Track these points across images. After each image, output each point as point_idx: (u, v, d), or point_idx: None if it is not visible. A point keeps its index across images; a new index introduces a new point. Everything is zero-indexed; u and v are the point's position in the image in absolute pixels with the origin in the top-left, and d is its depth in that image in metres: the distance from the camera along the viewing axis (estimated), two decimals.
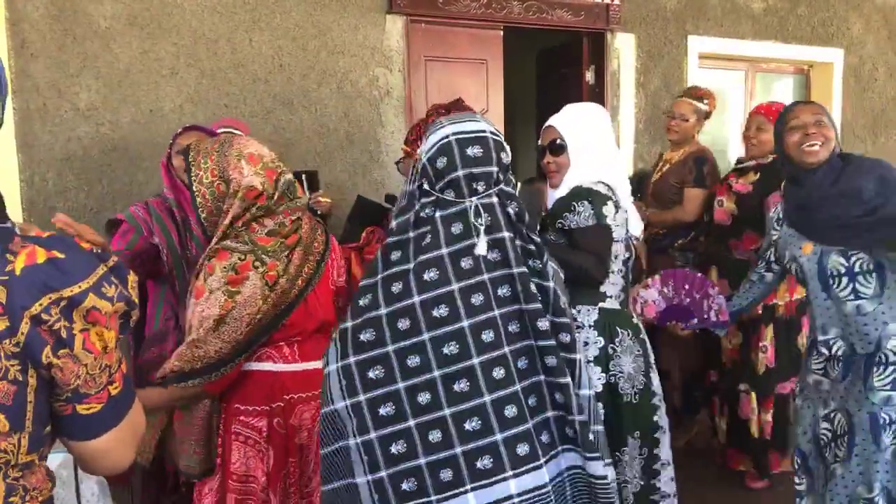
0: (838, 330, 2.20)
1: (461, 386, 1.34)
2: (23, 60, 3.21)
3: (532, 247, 1.44)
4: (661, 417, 2.23)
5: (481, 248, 1.38)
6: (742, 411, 3.30)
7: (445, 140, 1.42)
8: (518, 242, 1.43)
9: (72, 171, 3.29)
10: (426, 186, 1.42)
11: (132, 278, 0.98)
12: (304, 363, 1.98)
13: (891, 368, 2.12)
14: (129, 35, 3.40)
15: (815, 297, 2.24)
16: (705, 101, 3.64)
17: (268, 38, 3.66)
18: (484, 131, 1.44)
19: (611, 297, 2.22)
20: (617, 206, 2.21)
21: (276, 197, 1.93)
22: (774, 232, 2.43)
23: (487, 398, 1.35)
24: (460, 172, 1.40)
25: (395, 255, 1.40)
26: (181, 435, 1.97)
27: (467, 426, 1.34)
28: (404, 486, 1.34)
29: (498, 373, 1.36)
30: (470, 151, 1.40)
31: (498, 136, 1.47)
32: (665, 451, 2.23)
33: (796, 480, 2.37)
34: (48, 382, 0.89)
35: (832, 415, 2.24)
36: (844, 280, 2.16)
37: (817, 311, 2.24)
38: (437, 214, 1.41)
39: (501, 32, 4.30)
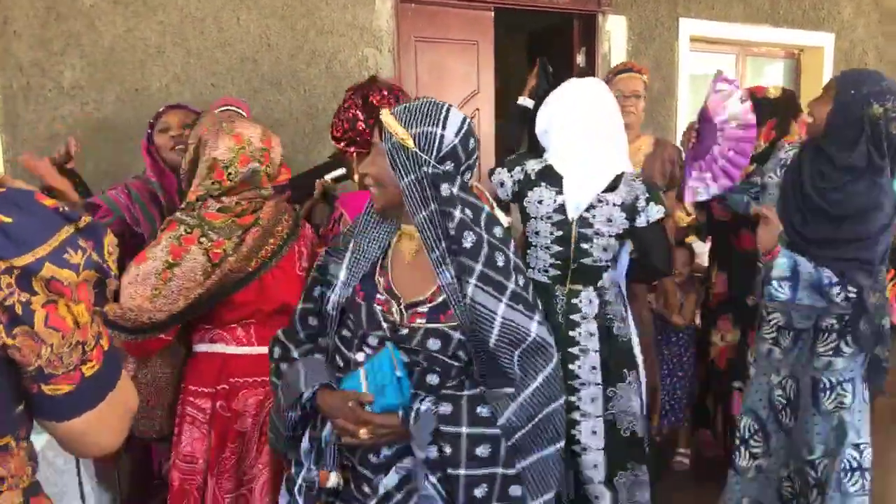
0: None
1: None
2: (5, 39, 3.16)
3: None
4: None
5: (505, 219, 1.62)
6: (735, 408, 3.17)
7: (467, 121, 1.44)
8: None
9: (55, 149, 3.25)
10: (450, 168, 1.41)
11: (109, 240, 0.87)
12: (257, 347, 1.99)
13: (833, 335, 2.23)
14: (113, 13, 3.35)
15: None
16: (645, 76, 3.12)
17: (255, 17, 3.62)
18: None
19: (534, 268, 2.35)
20: (524, 184, 2.34)
21: (235, 180, 1.95)
22: (770, 176, 2.40)
23: None
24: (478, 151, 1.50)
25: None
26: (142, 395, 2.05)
27: None
28: None
29: None
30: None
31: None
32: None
33: (752, 443, 2.42)
34: (8, 361, 0.78)
35: (784, 381, 2.36)
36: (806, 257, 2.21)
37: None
38: (459, 194, 1.42)
39: (492, 13, 4.27)
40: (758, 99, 3.14)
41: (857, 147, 2.06)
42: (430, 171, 1.38)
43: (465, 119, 1.43)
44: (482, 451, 1.34)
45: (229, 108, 2.82)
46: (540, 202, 2.29)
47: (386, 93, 2.28)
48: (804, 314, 2.26)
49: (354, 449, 1.45)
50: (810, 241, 2.16)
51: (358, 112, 2.26)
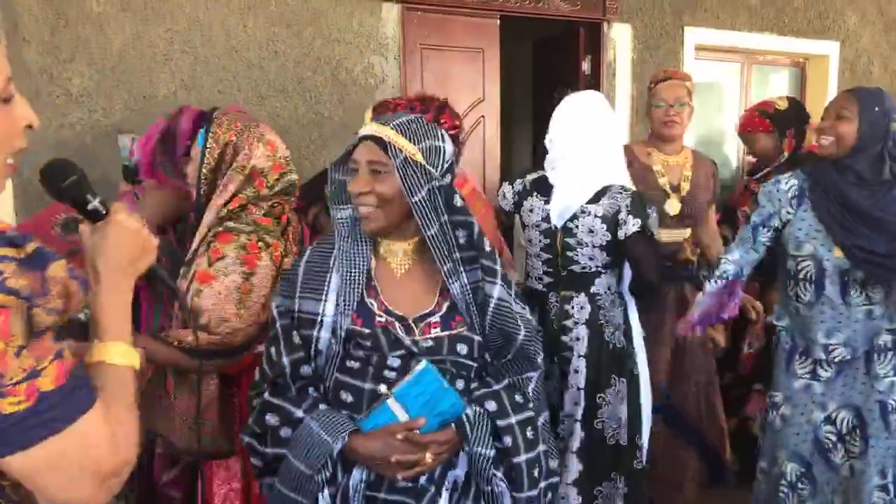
0: (844, 336, 2.17)
1: None
2: (15, 45, 3.18)
3: None
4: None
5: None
6: (749, 408, 3.23)
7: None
8: None
9: (63, 155, 3.26)
10: (450, 179, 1.46)
11: (56, 270, 0.83)
12: None
13: (889, 354, 2.16)
14: (122, 20, 3.37)
15: (827, 300, 2.17)
16: (689, 82, 2.91)
17: (262, 24, 3.63)
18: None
19: (531, 277, 2.52)
20: (522, 194, 2.48)
21: (274, 189, 1.93)
22: (787, 211, 2.23)
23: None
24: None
25: None
26: (182, 410, 1.88)
27: None
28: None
29: None
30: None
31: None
32: (645, 395, 2.47)
33: (800, 486, 2.26)
34: None
35: (834, 415, 2.20)
36: (859, 287, 2.15)
37: (828, 313, 2.18)
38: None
39: (498, 21, 4.28)
40: (770, 114, 3.22)
41: (884, 161, 2.10)
42: (437, 184, 1.40)
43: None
44: (530, 434, 1.45)
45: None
46: (531, 211, 2.44)
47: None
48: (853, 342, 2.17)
49: (380, 483, 1.40)
50: (885, 255, 2.09)
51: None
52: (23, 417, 0.78)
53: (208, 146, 1.88)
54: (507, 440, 1.41)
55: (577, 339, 2.37)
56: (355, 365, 1.41)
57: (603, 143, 2.38)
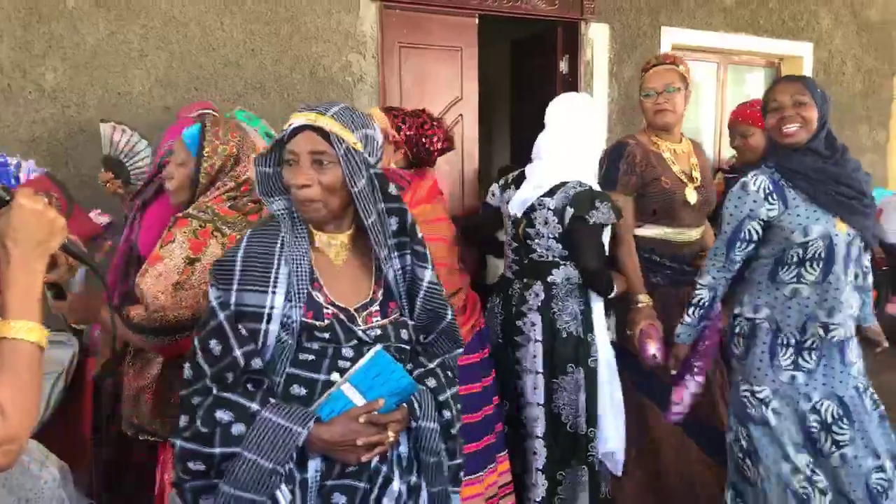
0: (842, 315, 2.20)
1: None
2: None
3: None
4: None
5: None
6: None
7: None
8: None
9: (37, 153, 3.23)
10: (380, 167, 1.50)
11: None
12: None
13: (855, 339, 2.26)
14: (96, 16, 3.33)
15: (835, 278, 2.18)
16: (681, 66, 2.74)
17: (239, 21, 3.61)
18: None
19: (507, 266, 2.68)
20: (503, 188, 2.66)
21: (254, 193, 1.95)
22: (768, 208, 2.20)
23: None
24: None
25: None
26: (128, 385, 1.97)
27: None
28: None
29: None
30: None
31: None
32: (606, 391, 2.51)
33: (816, 478, 2.20)
34: None
35: (818, 405, 2.20)
36: (854, 264, 2.23)
37: (832, 292, 2.18)
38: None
39: (476, 20, 4.29)
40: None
41: (831, 135, 2.25)
42: (374, 171, 1.44)
43: None
44: (459, 406, 1.57)
45: (208, 111, 2.82)
46: (507, 203, 2.59)
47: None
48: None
49: (331, 471, 1.39)
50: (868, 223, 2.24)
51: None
52: None
53: (206, 155, 1.93)
54: (447, 413, 1.51)
55: (533, 324, 2.48)
56: (309, 357, 1.39)
57: (575, 144, 2.50)
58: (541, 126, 2.59)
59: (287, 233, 1.43)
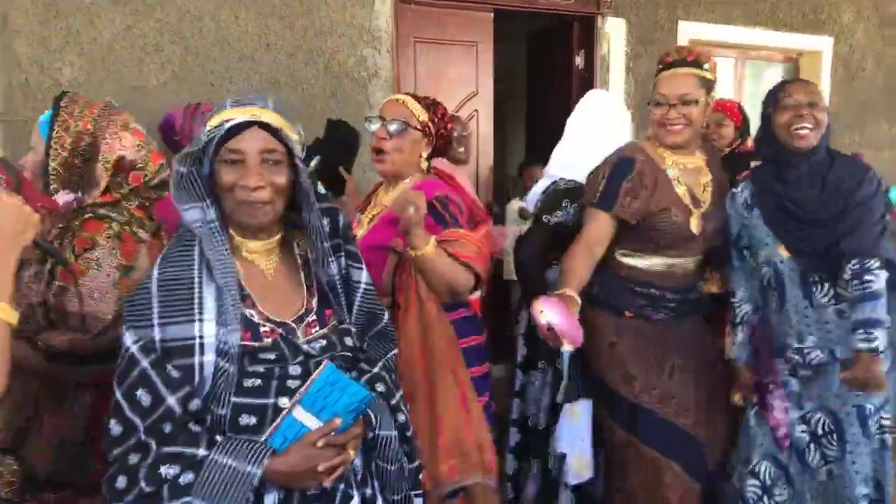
0: (816, 338, 2.11)
1: None
2: (6, 35, 3.16)
3: None
4: None
5: None
6: None
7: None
8: None
9: None
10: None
11: None
12: None
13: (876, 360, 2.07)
14: (112, 11, 3.35)
15: (793, 304, 2.12)
16: (705, 65, 2.19)
17: (254, 15, 3.62)
18: None
19: None
20: None
21: (152, 183, 1.74)
22: (744, 215, 2.21)
23: None
24: None
25: None
26: (49, 429, 1.62)
27: None
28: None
29: None
30: None
31: None
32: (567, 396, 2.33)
33: (776, 492, 2.20)
34: None
35: (808, 416, 2.16)
36: (825, 286, 2.09)
37: (794, 318, 2.13)
38: None
39: (492, 15, 4.27)
40: (745, 114, 3.49)
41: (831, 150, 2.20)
42: (309, 170, 1.35)
43: None
44: (407, 407, 1.51)
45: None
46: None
47: None
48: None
49: (290, 498, 1.28)
50: (824, 251, 2.14)
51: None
52: None
53: (56, 136, 1.63)
54: (401, 417, 1.45)
55: (518, 321, 2.67)
56: (255, 382, 1.26)
57: (577, 140, 2.54)
58: (556, 122, 2.61)
59: (208, 247, 1.27)
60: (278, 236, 1.39)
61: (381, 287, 1.94)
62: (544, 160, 2.72)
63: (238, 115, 1.26)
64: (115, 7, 3.35)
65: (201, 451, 1.19)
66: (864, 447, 2.10)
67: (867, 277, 1.97)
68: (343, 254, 1.41)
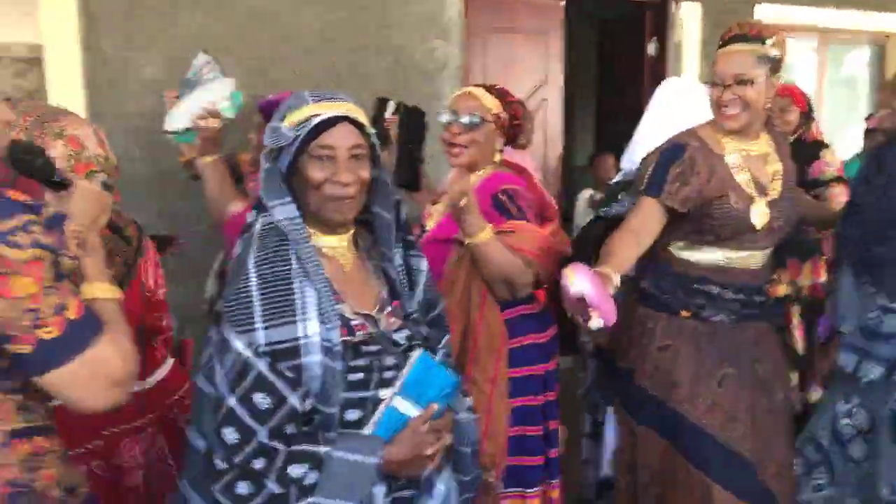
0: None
1: None
2: (93, 35, 3.31)
3: None
4: None
5: None
6: None
7: None
8: None
9: (136, 143, 3.39)
10: None
11: (71, 228, 1.06)
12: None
13: None
14: (189, 11, 3.46)
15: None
16: (769, 41, 1.97)
17: (321, 10, 3.67)
18: None
19: None
20: None
21: None
22: None
23: None
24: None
25: None
26: None
27: None
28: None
29: None
30: None
31: None
32: None
33: (815, 475, 2.10)
34: None
35: (854, 410, 2.03)
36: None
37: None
38: None
39: (563, 3, 4.22)
40: (810, 101, 3.37)
41: None
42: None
43: None
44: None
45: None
46: None
47: None
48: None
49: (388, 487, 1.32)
50: None
51: None
52: (55, 343, 1.01)
53: None
54: (468, 401, 1.49)
55: None
56: (358, 377, 1.28)
57: (664, 136, 2.37)
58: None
59: (300, 245, 1.27)
60: (352, 231, 1.40)
61: (444, 278, 1.95)
62: (616, 150, 2.69)
63: (326, 111, 1.27)
64: (192, 7, 3.46)
65: (322, 449, 1.21)
66: (885, 453, 1.96)
67: None
68: (404, 244, 1.45)
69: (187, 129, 2.24)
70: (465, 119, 2.00)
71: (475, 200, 1.80)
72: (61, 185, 1.22)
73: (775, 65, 1.98)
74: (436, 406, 1.30)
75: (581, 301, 1.60)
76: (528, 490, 2.05)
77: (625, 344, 2.17)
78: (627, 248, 1.95)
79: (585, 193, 4.58)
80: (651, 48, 4.56)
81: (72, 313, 1.03)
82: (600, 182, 4.57)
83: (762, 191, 2.03)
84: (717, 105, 2.01)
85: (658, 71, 4.41)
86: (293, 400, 1.21)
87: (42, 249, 0.97)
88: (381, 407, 1.28)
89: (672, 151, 2.04)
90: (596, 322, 1.60)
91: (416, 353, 1.30)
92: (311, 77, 3.68)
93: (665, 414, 2.05)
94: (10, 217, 0.96)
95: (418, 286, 1.45)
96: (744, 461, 2.00)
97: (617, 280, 1.79)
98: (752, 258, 2.06)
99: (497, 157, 2.08)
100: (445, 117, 2.04)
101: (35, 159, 1.19)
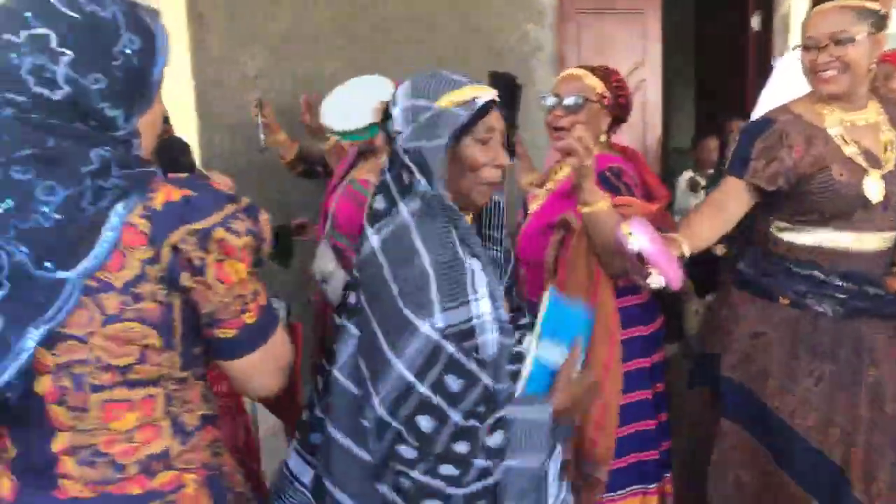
0: None
1: None
2: (200, 33, 3.46)
3: None
4: None
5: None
6: None
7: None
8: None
9: (240, 136, 3.51)
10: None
11: (264, 217, 1.05)
12: None
13: None
14: (288, 3, 3.55)
15: None
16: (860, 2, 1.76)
17: None
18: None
19: None
20: None
21: None
22: None
23: None
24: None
25: None
26: None
27: None
28: None
29: None
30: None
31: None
32: None
33: None
34: (191, 306, 1.00)
35: None
36: None
37: None
38: None
39: None
40: None
41: None
42: None
43: None
44: None
45: None
46: None
47: None
48: None
49: None
50: None
51: None
52: (251, 328, 1.04)
53: None
54: None
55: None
56: (519, 349, 1.33)
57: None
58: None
59: (460, 225, 1.25)
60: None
61: (544, 263, 1.93)
62: (718, 131, 2.58)
63: (482, 94, 1.27)
64: (290, 1, 3.55)
65: (509, 414, 1.20)
66: None
67: None
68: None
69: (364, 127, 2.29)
70: (567, 101, 1.96)
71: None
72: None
73: (879, 21, 1.75)
74: (580, 348, 1.29)
75: (640, 258, 1.53)
76: (650, 486, 1.99)
77: (715, 329, 2.05)
78: (706, 223, 1.86)
79: (686, 176, 4.45)
80: (755, 21, 4.34)
81: (262, 299, 1.06)
82: (703, 164, 4.43)
83: (875, 163, 1.81)
84: (813, 70, 1.81)
85: (764, 46, 4.20)
86: (485, 380, 1.19)
87: (252, 236, 1.00)
88: (528, 361, 1.28)
89: (758, 126, 1.89)
90: (655, 280, 1.53)
91: (548, 292, 1.30)
92: (412, 65, 3.71)
93: (753, 407, 1.91)
94: (224, 205, 0.98)
95: (508, 266, 1.48)
96: (838, 472, 1.81)
97: (686, 249, 1.71)
98: (864, 240, 1.83)
99: (602, 138, 2.03)
100: (549, 101, 2.00)
101: (179, 154, 1.26)
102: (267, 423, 2.40)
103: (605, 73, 2.03)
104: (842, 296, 1.85)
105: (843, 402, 1.82)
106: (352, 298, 1.32)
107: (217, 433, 1.12)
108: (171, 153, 1.25)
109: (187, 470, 1.04)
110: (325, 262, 2.12)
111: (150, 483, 1.00)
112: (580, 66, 2.08)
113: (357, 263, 1.31)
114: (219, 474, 1.09)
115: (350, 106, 2.33)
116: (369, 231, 1.27)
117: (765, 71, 3.78)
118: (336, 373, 1.30)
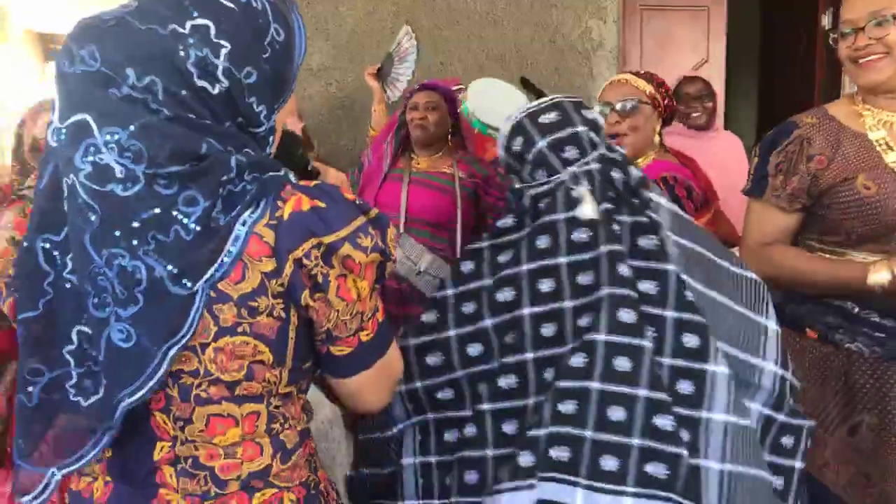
0: None
1: (507, 382, 1.21)
2: None
3: (644, 219, 1.23)
4: None
5: (587, 211, 1.19)
6: None
7: (515, 121, 1.32)
8: (624, 217, 1.22)
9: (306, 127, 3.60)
10: (516, 184, 1.32)
11: (391, 231, 0.99)
12: None
13: None
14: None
15: None
16: None
17: None
18: (554, 98, 1.34)
19: None
20: None
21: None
22: None
23: (529, 401, 1.19)
24: (541, 143, 1.27)
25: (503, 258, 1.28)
26: None
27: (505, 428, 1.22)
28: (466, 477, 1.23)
29: (548, 373, 1.18)
30: (544, 119, 1.29)
31: (572, 97, 1.35)
32: None
33: None
34: (307, 322, 0.94)
35: None
36: None
37: None
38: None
39: None
40: None
41: None
42: None
43: (510, 122, 1.40)
44: None
45: (460, 87, 2.93)
46: None
47: None
48: None
49: None
50: None
51: None
52: (368, 345, 0.99)
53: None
54: None
55: None
56: None
57: None
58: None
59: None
60: None
61: None
62: None
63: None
64: None
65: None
66: None
67: None
68: None
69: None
70: (619, 105, 1.95)
71: None
72: (311, 174, 1.28)
73: None
74: None
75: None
76: None
77: None
78: (778, 254, 1.64)
79: None
80: (825, 19, 4.23)
81: (381, 315, 1.01)
82: None
83: None
84: (851, 59, 1.56)
85: (833, 45, 4.09)
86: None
87: (378, 253, 0.93)
88: None
89: (775, 135, 1.63)
90: None
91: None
92: (476, 60, 3.74)
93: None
94: (353, 219, 0.91)
95: None
96: None
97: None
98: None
99: (656, 139, 2.02)
100: (598, 109, 1.95)
101: (294, 148, 1.26)
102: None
103: (648, 76, 2.05)
104: (880, 335, 1.55)
105: (886, 458, 1.56)
106: None
107: (313, 446, 1.09)
108: (285, 147, 1.26)
109: (287, 488, 1.01)
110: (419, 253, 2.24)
111: (249, 501, 0.97)
112: (625, 72, 2.11)
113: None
114: (317, 493, 1.07)
115: (497, 104, 2.46)
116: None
117: (834, 71, 3.69)
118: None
